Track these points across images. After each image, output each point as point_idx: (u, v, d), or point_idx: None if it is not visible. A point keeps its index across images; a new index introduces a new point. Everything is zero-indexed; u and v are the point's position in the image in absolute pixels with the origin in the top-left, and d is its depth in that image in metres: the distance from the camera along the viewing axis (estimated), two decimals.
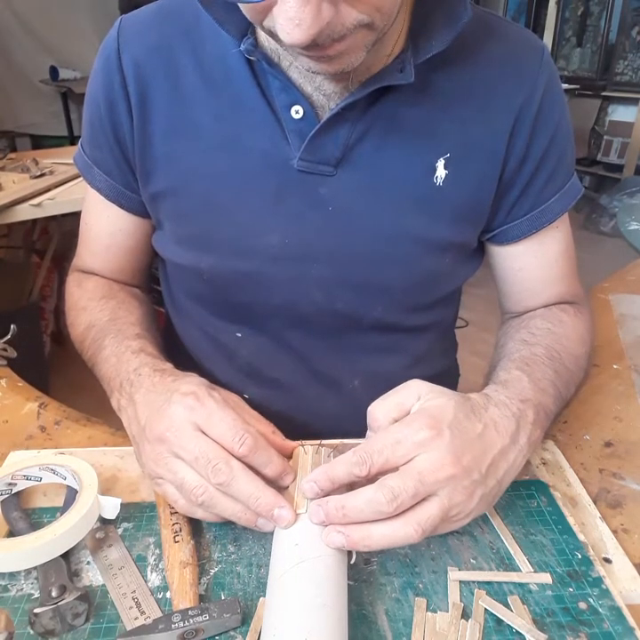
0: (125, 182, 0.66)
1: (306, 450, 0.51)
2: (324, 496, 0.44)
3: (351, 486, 0.45)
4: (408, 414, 0.47)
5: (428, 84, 0.57)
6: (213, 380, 0.53)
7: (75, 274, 0.75)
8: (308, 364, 0.70)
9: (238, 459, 0.45)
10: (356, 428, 0.74)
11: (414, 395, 0.48)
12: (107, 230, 0.70)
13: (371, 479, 0.43)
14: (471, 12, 0.52)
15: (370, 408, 0.49)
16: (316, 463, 0.49)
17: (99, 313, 0.66)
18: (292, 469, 0.48)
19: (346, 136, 0.57)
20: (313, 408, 0.72)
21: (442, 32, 0.53)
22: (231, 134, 0.59)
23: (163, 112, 0.60)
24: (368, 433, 0.51)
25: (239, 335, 0.69)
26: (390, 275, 0.63)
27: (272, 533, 0.48)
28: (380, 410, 0.49)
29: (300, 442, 0.52)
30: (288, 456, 0.51)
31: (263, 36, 0.56)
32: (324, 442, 0.53)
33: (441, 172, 0.59)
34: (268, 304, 0.65)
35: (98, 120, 0.63)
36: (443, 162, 0.59)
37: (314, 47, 0.44)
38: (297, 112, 0.57)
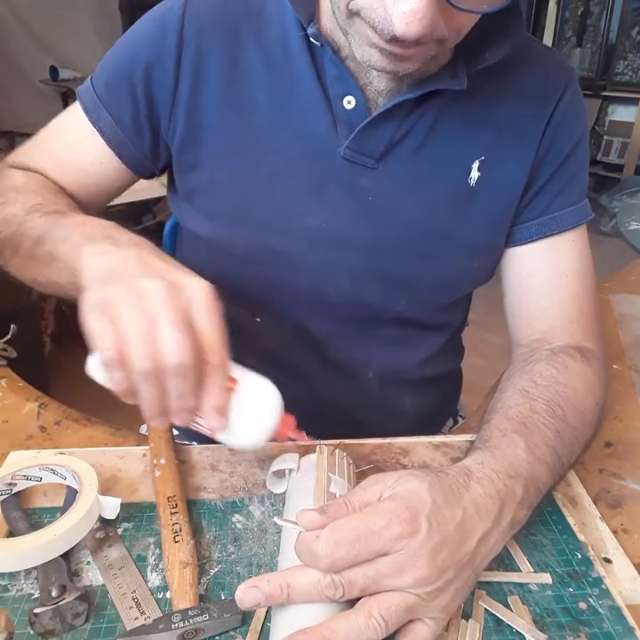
0: (134, 136, 0.64)
1: (322, 450, 0.51)
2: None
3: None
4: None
5: (469, 89, 0.59)
6: None
7: (17, 169, 0.67)
8: (326, 352, 0.71)
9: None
10: (367, 417, 0.75)
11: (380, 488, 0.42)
12: (89, 158, 0.66)
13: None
14: (525, 33, 0.55)
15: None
16: (332, 464, 0.49)
17: (53, 197, 0.61)
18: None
19: (392, 132, 0.60)
20: (327, 396, 0.73)
21: (497, 46, 0.56)
22: (283, 115, 0.61)
23: (216, 84, 0.61)
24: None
25: (258, 320, 0.70)
26: (418, 270, 0.65)
27: (271, 534, 0.48)
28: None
29: (318, 441, 0.52)
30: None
31: (326, 25, 0.58)
32: (323, 442, 0.53)
33: (474, 174, 0.62)
34: (295, 287, 0.66)
35: (130, 70, 0.62)
36: (477, 164, 0.62)
37: (400, 42, 0.46)
38: (349, 102, 0.59)
